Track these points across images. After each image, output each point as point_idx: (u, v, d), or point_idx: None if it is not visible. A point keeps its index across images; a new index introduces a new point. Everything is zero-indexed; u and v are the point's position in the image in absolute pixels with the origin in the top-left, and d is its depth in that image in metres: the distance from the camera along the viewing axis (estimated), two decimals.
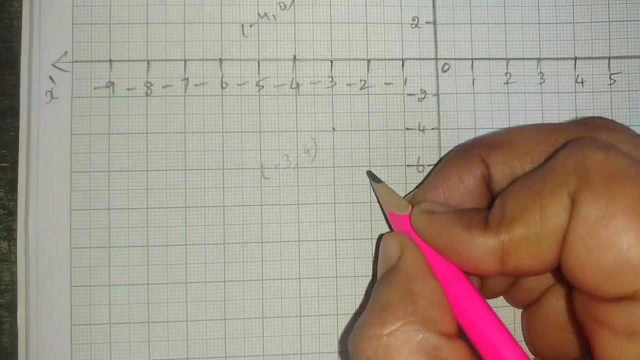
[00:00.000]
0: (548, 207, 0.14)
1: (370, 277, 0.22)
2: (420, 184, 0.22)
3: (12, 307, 0.22)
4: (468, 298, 0.17)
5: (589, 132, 0.17)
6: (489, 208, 0.17)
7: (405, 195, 0.22)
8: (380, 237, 0.22)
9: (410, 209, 0.19)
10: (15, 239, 0.22)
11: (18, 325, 0.21)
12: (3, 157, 0.22)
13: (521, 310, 0.21)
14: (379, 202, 0.22)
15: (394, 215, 0.19)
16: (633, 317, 0.13)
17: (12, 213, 0.22)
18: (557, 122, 0.22)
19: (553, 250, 0.15)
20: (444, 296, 0.17)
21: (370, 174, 0.22)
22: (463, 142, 0.22)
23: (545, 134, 0.18)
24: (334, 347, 0.22)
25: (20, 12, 0.22)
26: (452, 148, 0.23)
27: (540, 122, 0.23)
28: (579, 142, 0.15)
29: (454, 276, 0.17)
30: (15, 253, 0.22)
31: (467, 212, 0.17)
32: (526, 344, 0.21)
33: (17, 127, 0.22)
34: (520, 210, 0.15)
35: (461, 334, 0.17)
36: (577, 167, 0.14)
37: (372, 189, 0.22)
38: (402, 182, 0.23)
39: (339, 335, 0.22)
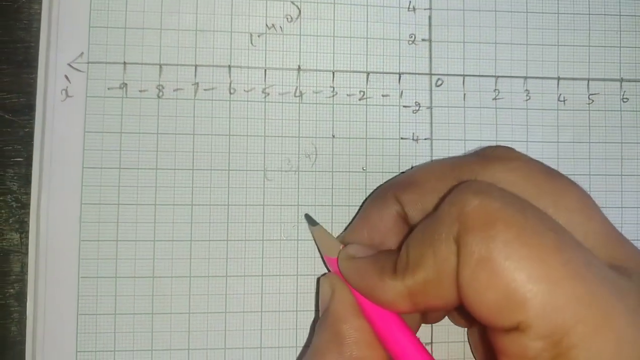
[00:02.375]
0: (439, 253, 0.16)
1: None
2: (349, 224, 0.24)
3: (21, 297, 0.23)
4: (396, 332, 0.18)
5: (484, 163, 0.18)
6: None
7: (338, 236, 0.23)
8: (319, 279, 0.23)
9: (340, 250, 0.20)
10: (27, 232, 0.23)
11: (27, 315, 0.22)
12: (18, 152, 0.23)
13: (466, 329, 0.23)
14: (316, 244, 0.23)
15: (327, 258, 0.21)
16: (520, 346, 0.14)
17: (25, 206, 0.23)
18: (461, 156, 0.23)
19: (452, 290, 0.16)
20: (371, 334, 0.18)
21: (307, 217, 0.23)
22: (382, 183, 0.24)
23: (447, 170, 0.19)
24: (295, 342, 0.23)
25: (40, 14, 0.23)
26: (439, 157, 0.24)
27: (525, 136, 0.25)
28: (459, 189, 0.16)
29: (381, 313, 0.18)
30: (27, 245, 0.23)
31: (380, 257, 0.18)
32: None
33: (33, 124, 0.23)
34: (419, 255, 0.16)
35: None
36: (458, 214, 0.16)
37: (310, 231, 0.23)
38: None
39: None
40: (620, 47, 0.25)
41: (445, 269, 0.16)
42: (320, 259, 0.24)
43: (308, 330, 0.23)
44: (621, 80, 0.25)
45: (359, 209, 0.22)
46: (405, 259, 0.17)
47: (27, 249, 0.23)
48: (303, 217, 0.23)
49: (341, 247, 0.20)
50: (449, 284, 0.16)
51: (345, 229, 0.23)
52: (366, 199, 0.23)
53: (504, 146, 0.20)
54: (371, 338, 0.18)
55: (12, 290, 0.23)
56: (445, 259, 0.15)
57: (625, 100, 0.25)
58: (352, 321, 0.18)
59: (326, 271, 0.23)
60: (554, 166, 0.24)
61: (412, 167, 0.24)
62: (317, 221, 0.22)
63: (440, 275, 0.16)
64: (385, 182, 0.23)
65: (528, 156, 0.19)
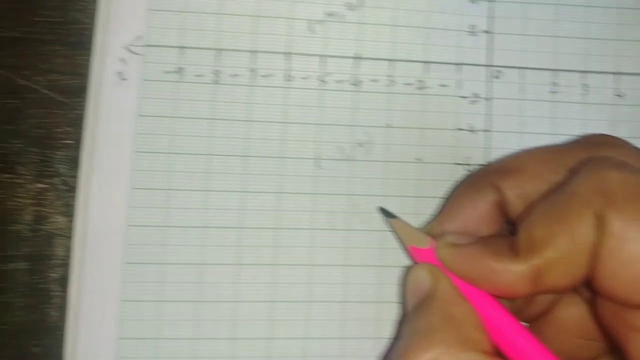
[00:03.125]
0: (576, 228, 0.16)
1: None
2: (434, 215, 0.23)
3: (64, 281, 0.22)
4: (503, 319, 0.18)
5: (592, 150, 0.19)
6: (505, 232, 0.18)
7: (423, 228, 0.22)
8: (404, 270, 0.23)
9: (429, 241, 0.20)
10: (73, 215, 0.22)
11: (68, 300, 0.21)
12: (68, 135, 0.23)
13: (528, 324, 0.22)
14: (396, 236, 0.22)
15: (415, 249, 0.20)
16: None
17: (72, 190, 0.22)
18: (566, 141, 0.23)
19: (583, 267, 0.16)
20: (479, 319, 0.18)
21: (383, 211, 0.22)
22: (473, 171, 0.23)
23: (552, 155, 0.19)
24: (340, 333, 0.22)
25: None
26: (500, 150, 0.24)
27: (583, 130, 0.24)
28: (595, 164, 0.17)
29: (486, 301, 0.18)
30: (72, 229, 0.22)
31: (491, 242, 0.18)
32: None
33: (84, 106, 0.23)
34: (549, 234, 0.16)
35: (499, 354, 0.18)
36: (598, 188, 0.16)
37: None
38: (450, 179, 0.24)
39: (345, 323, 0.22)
40: None
41: (582, 244, 0.15)
42: (376, 252, 0.23)
43: (356, 323, 0.22)
44: None
45: (448, 199, 0.22)
46: (528, 239, 0.17)
47: (71, 233, 0.22)
48: (354, 206, 0.23)
49: (428, 238, 0.20)
50: (582, 261, 0.15)
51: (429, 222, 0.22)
52: (455, 188, 0.22)
53: (607, 134, 0.20)
54: (481, 323, 0.18)
55: (54, 274, 0.22)
56: (583, 234, 0.15)
57: None
58: (464, 304, 0.18)
59: (407, 262, 0.22)
60: None
61: (467, 158, 0.24)
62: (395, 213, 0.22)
63: (574, 251, 0.16)
64: (476, 170, 0.23)
65: (632, 144, 0.19)
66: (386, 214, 0.22)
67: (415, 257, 0.20)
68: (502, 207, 0.20)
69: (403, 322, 0.19)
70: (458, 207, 0.20)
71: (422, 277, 0.19)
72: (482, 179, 0.20)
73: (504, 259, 0.17)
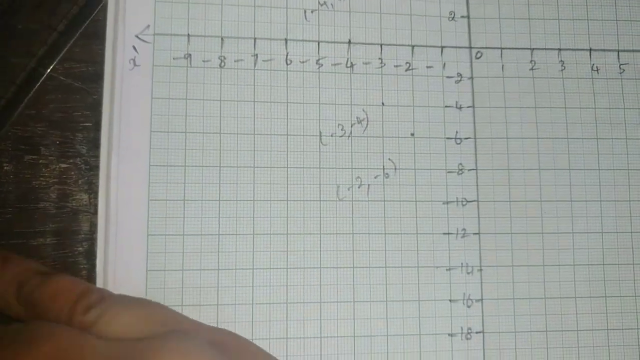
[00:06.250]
0: None
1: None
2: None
3: (90, 255, 0.23)
4: None
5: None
6: None
7: None
8: None
9: None
10: (96, 192, 0.24)
11: (97, 271, 0.23)
12: (87, 118, 0.24)
13: None
14: None
15: None
16: None
17: (93, 168, 0.24)
18: None
19: None
20: None
21: None
22: None
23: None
24: (384, 330, 0.25)
25: None
26: (486, 124, 0.26)
27: (563, 102, 0.27)
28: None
29: None
30: (95, 205, 0.24)
31: None
32: None
33: (101, 92, 0.24)
34: None
35: None
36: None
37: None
38: (442, 152, 0.26)
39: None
40: None
41: None
42: (376, 220, 0.25)
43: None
44: None
45: None
46: None
47: (95, 209, 0.23)
48: (356, 179, 0.25)
49: None
50: None
51: None
52: None
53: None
54: None
55: (80, 248, 0.24)
56: None
57: None
58: None
59: None
60: (593, 131, 0.26)
61: (456, 132, 0.26)
62: None
63: None
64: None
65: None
66: None
67: None
68: None
69: None
70: None
71: None
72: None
73: None
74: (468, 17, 0.27)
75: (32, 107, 0.24)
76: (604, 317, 0.26)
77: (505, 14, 0.27)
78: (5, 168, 0.24)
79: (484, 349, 0.25)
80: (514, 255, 0.26)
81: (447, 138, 0.26)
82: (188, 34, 0.25)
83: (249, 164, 0.24)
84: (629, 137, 0.27)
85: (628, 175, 0.27)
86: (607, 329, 0.26)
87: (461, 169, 0.26)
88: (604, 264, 0.26)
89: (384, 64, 0.26)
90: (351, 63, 0.26)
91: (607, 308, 0.26)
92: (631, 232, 0.26)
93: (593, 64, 0.27)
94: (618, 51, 0.27)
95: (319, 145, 0.25)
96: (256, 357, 0.20)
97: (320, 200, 0.25)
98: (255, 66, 0.25)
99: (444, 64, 0.26)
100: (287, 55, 0.25)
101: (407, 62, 0.26)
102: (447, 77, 0.26)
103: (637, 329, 0.26)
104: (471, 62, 0.27)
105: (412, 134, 0.26)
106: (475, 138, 0.26)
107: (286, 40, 0.26)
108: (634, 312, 0.26)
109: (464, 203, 0.26)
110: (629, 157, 0.27)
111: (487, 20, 0.27)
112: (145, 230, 0.23)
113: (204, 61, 0.25)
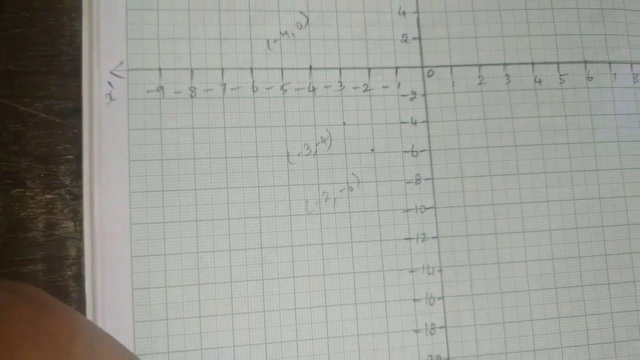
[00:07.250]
0: None
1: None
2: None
3: (79, 278, 0.25)
4: None
5: None
6: None
7: None
8: None
9: None
10: (81, 219, 0.25)
11: (86, 293, 0.25)
12: (68, 150, 0.26)
13: None
14: None
15: None
16: None
17: (77, 198, 0.26)
18: None
19: None
20: None
21: None
22: None
23: None
24: (354, 331, 0.27)
25: (81, 30, 0.27)
26: (440, 137, 0.28)
27: (510, 113, 0.29)
28: None
29: None
30: (81, 232, 0.25)
31: None
32: None
33: (80, 126, 0.26)
34: None
35: None
36: None
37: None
38: (401, 165, 0.28)
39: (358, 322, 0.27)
40: (581, 34, 0.30)
41: None
42: (343, 230, 0.27)
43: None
44: (585, 62, 0.30)
45: None
46: None
47: (81, 235, 0.25)
48: (323, 194, 0.27)
49: None
50: None
51: None
52: None
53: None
54: None
55: (69, 272, 0.25)
56: None
57: (590, 79, 0.30)
58: None
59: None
60: (538, 137, 0.29)
61: (412, 146, 0.28)
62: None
63: None
64: None
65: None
66: None
67: None
68: None
69: None
70: None
71: None
72: None
73: None
74: (419, 38, 0.29)
75: (16, 144, 0.26)
76: (555, 306, 0.28)
77: (453, 34, 0.29)
78: None
79: (447, 343, 0.27)
80: (471, 255, 0.28)
81: (405, 151, 0.28)
82: (160, 68, 0.27)
83: (222, 185, 0.27)
84: (571, 142, 0.29)
85: (571, 177, 0.29)
86: (559, 317, 0.28)
87: (418, 179, 0.28)
88: (553, 259, 0.29)
89: (344, 87, 0.28)
90: (313, 87, 0.28)
91: (558, 298, 0.28)
92: (576, 228, 0.29)
93: (536, 76, 0.30)
94: (558, 63, 0.30)
95: (287, 165, 0.27)
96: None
97: (290, 215, 0.27)
98: (224, 94, 0.27)
99: (399, 83, 0.29)
100: (253, 83, 0.28)
101: (364, 84, 0.28)
102: (402, 95, 0.29)
103: (585, 315, 0.28)
104: (424, 80, 0.29)
105: (372, 150, 0.28)
106: (430, 150, 0.28)
107: (252, 69, 0.28)
108: (582, 300, 0.28)
109: (423, 210, 0.28)
110: (571, 160, 0.29)
111: (437, 40, 0.29)
112: (129, 252, 0.25)
113: (175, 92, 0.27)
